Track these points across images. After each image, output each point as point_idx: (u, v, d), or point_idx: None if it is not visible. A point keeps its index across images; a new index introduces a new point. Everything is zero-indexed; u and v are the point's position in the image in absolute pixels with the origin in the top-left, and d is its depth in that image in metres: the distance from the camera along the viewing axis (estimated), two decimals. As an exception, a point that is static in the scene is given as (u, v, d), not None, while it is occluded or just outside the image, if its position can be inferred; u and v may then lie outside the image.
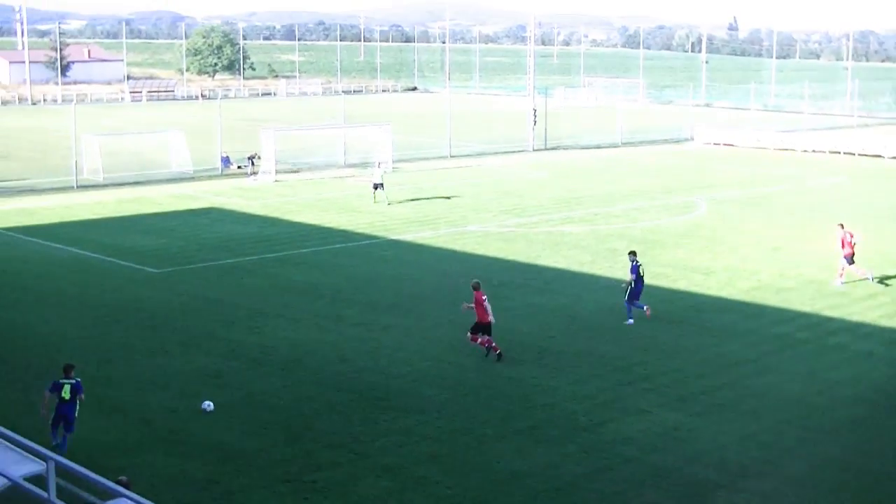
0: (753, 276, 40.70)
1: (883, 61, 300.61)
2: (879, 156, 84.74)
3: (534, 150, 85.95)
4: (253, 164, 68.76)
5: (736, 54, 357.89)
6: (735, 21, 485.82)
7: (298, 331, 32.51)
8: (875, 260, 43.17)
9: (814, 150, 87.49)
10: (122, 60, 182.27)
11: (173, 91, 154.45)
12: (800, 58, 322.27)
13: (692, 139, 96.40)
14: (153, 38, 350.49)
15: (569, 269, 41.32)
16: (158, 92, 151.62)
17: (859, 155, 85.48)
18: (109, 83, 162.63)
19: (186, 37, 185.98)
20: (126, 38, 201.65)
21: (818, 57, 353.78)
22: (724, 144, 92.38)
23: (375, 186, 56.30)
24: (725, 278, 40.21)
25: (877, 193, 64.26)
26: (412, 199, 58.03)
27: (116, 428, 24.42)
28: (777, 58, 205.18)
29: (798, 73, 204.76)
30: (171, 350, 30.46)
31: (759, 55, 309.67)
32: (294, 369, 28.73)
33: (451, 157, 79.51)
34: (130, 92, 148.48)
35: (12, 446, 16.34)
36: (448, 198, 58.91)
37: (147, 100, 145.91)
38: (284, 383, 27.55)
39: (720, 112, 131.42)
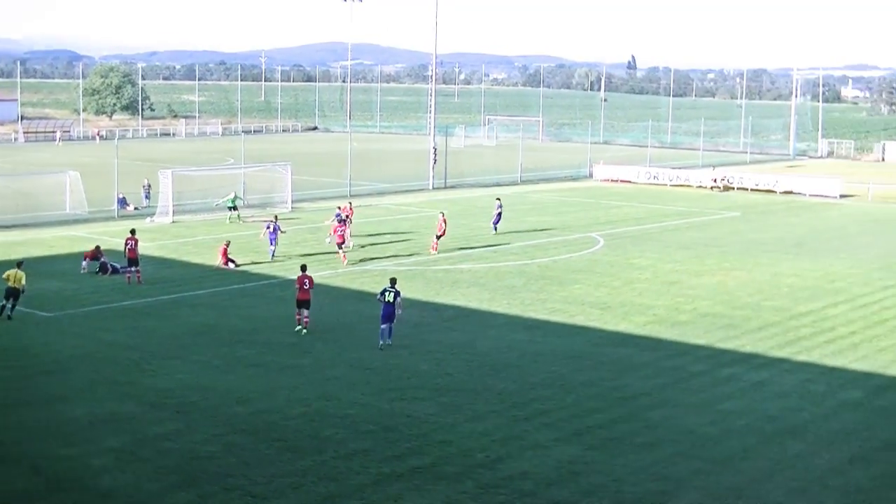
0: (649, 310, 41.25)
1: (775, 99, 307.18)
2: (771, 191, 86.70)
3: (434, 189, 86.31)
4: (148, 191, 72.55)
5: (634, 92, 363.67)
6: (633, 60, 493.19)
7: (194, 372, 32.17)
8: (769, 291, 44.40)
9: (708, 186, 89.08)
10: (16, 100, 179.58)
11: (69, 131, 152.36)
12: (696, 96, 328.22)
13: (590, 176, 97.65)
14: (49, 78, 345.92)
15: (467, 307, 41.48)
16: (54, 132, 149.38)
17: (752, 190, 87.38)
18: (2, 123, 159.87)
19: (84, 76, 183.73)
20: (20, 77, 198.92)
21: (713, 95, 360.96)
22: (622, 181, 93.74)
23: (229, 209, 65.37)
24: (622, 313, 40.69)
25: (768, 227, 65.63)
26: (311, 239, 57.83)
27: (3, 477, 23.82)
28: (674, 96, 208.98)
29: (694, 111, 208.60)
30: (63, 395, 29.90)
31: (657, 93, 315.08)
32: (190, 411, 28.40)
33: (352, 195, 79.39)
34: (24, 132, 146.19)
35: None
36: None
37: (41, 140, 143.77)
38: (180, 426, 27.21)
39: (618, 149, 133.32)
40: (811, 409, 29.29)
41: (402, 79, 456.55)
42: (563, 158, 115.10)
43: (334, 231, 52.76)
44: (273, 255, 51.66)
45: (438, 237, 54.63)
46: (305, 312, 37.30)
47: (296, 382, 31.15)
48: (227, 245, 50.99)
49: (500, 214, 61.19)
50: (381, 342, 34.90)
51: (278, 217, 55.48)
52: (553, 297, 43.31)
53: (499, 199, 64.12)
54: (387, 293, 34.76)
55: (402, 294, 35.36)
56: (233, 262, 50.06)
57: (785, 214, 72.86)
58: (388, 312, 34.65)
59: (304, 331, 37.01)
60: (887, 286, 46.91)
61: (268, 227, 52.55)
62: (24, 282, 38.88)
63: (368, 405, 29.02)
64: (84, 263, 48.47)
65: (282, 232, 52.82)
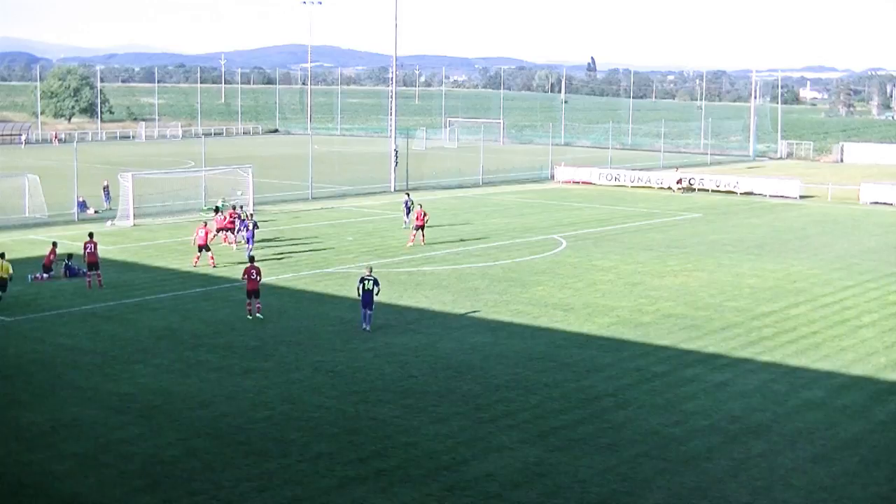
0: (612, 311, 41.36)
1: (734, 101, 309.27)
2: (732, 192, 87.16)
3: (395, 191, 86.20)
4: (108, 193, 72.90)
5: (594, 94, 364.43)
6: (593, 61, 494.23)
7: (157, 377, 31.97)
8: (731, 292, 44.63)
9: (669, 187, 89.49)
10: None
11: (27, 134, 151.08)
12: (656, 97, 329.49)
13: (552, 178, 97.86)
14: (6, 80, 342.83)
15: (430, 309, 41.45)
16: (11, 135, 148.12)
17: (713, 191, 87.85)
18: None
19: (41, 79, 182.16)
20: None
21: (673, 97, 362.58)
22: (583, 182, 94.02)
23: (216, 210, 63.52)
24: (585, 314, 40.77)
25: (729, 228, 65.98)
26: (273, 241, 57.67)
27: (-34, 482, 23.62)
28: (634, 97, 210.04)
29: (654, 113, 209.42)
30: (24, 400, 29.67)
31: (617, 95, 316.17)
32: (153, 416, 28.23)
33: (313, 198, 79.33)
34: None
35: None
36: (310, 239, 58.78)
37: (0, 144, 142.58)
38: (143, 430, 27.03)
39: (579, 151, 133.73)
40: (774, 408, 29.46)
41: (363, 81, 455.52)
42: (525, 160, 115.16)
43: (219, 233, 55.29)
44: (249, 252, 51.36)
45: (418, 228, 56.99)
46: (256, 301, 39.68)
47: (259, 386, 31.02)
48: (206, 225, 51.46)
49: (408, 209, 63.53)
50: (363, 325, 37.64)
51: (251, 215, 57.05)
52: (516, 299, 43.35)
53: (408, 193, 68.06)
54: (366, 281, 37.40)
55: (379, 283, 38.24)
56: (207, 248, 50.26)
57: (746, 215, 73.29)
58: (368, 300, 37.44)
59: (260, 316, 39.34)
60: (847, 286, 47.26)
61: (245, 226, 53.88)
62: (10, 271, 41.88)
63: (332, 408, 28.95)
64: (45, 276, 47.24)
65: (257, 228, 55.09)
